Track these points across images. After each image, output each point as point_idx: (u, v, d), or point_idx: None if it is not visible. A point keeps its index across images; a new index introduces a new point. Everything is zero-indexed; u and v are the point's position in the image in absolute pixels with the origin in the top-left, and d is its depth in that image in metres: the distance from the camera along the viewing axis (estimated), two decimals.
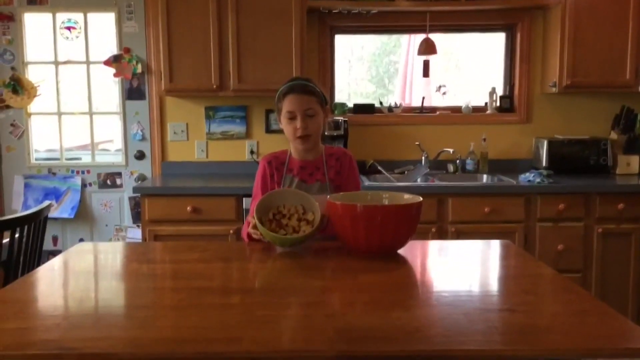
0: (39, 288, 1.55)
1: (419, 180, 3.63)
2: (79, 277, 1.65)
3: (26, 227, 2.46)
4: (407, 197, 1.89)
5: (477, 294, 1.50)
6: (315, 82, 2.15)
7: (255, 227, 1.86)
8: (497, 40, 4.03)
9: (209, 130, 3.89)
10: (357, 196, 1.94)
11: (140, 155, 3.92)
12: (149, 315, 1.31)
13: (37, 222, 2.54)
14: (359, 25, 3.89)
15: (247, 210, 3.17)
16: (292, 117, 2.08)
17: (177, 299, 1.41)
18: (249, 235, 1.98)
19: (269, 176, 2.18)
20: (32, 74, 3.88)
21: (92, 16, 3.85)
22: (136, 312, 1.35)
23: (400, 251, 1.82)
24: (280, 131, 2.19)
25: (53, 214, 3.84)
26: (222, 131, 3.89)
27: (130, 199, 3.92)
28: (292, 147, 2.19)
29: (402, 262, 1.76)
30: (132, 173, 3.94)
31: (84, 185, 3.93)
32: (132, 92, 3.87)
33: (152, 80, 3.83)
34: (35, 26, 3.86)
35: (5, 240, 2.39)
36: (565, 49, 3.52)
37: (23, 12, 3.83)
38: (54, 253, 3.81)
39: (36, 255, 2.60)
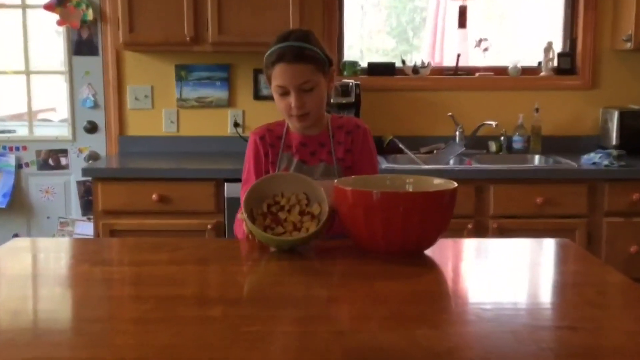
0: None
1: (451, 162, 3.63)
2: (13, 282, 1.65)
3: None
4: (438, 183, 1.89)
5: (526, 307, 1.51)
6: (314, 39, 2.09)
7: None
8: None
9: (181, 95, 3.89)
10: (373, 181, 1.95)
11: (92, 128, 3.92)
12: (104, 331, 1.32)
13: None
14: None
15: (233, 200, 3.18)
16: (284, 93, 2.07)
17: (140, 311, 1.42)
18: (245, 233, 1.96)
19: (262, 155, 2.18)
20: None
21: None
22: (88, 327, 1.35)
23: (428, 252, 1.83)
24: (273, 97, 2.17)
25: None
26: (198, 97, 3.89)
27: (78, 184, 3.93)
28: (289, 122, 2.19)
29: (431, 265, 1.77)
30: (80, 150, 3.94)
31: (19, 166, 3.94)
32: (81, 46, 3.86)
33: (108, 31, 3.81)
34: None
35: None
36: None
37: None
38: None
39: None
